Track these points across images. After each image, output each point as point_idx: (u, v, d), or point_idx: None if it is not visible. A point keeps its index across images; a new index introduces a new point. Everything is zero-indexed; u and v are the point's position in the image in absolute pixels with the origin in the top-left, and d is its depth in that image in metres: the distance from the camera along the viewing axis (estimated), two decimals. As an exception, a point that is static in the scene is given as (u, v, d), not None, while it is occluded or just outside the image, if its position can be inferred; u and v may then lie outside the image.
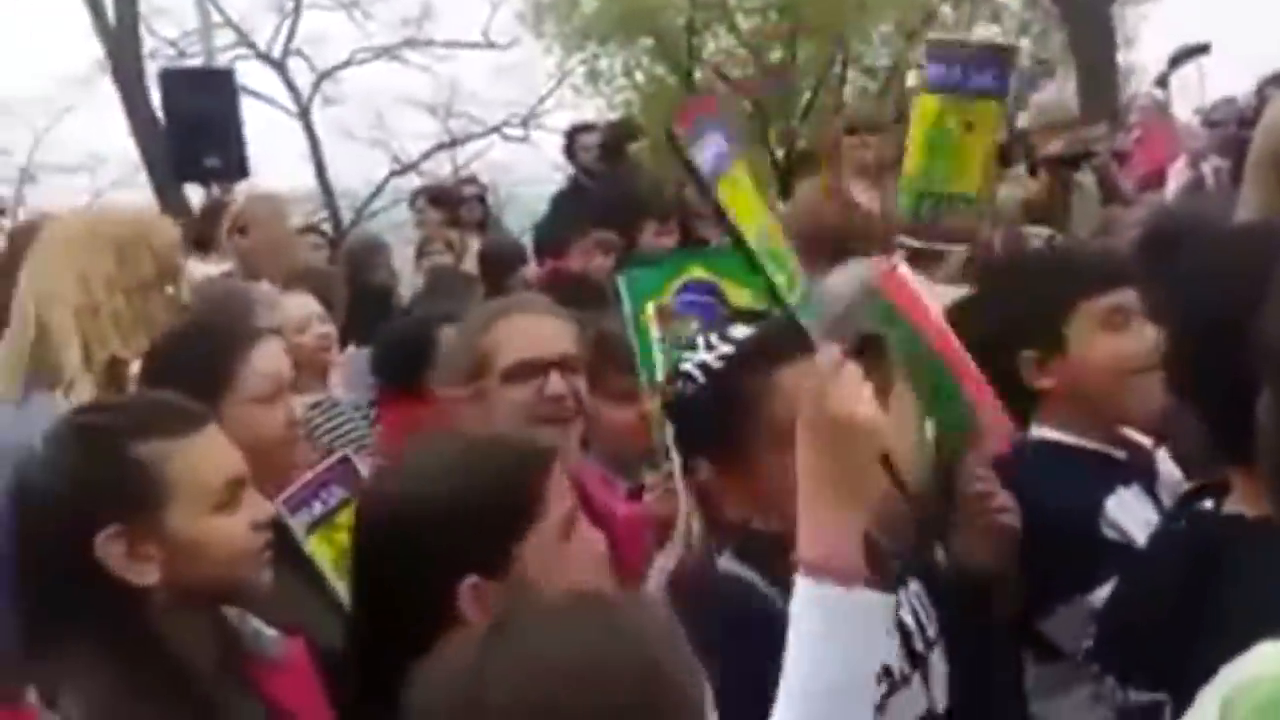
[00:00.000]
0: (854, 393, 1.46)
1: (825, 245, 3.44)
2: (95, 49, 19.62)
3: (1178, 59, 9.00)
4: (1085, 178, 6.24)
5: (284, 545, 2.02)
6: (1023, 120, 6.90)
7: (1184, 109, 8.78)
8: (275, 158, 19.42)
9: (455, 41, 23.26)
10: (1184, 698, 1.14)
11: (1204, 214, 3.45)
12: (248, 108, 11.20)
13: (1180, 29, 18.48)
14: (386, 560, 1.68)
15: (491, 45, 22.92)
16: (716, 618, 1.71)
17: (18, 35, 25.31)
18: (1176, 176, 6.74)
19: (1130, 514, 2.18)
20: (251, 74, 20.02)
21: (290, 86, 23.28)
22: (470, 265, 6.91)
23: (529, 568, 1.63)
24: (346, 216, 21.75)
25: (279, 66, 23.22)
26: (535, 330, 2.45)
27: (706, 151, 1.48)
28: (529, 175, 18.19)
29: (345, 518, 2.13)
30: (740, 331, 1.94)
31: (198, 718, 1.66)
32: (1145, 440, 2.38)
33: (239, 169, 9.06)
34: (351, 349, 4.86)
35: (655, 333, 2.44)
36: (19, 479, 1.78)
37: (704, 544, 2.08)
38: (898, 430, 1.58)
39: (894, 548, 1.89)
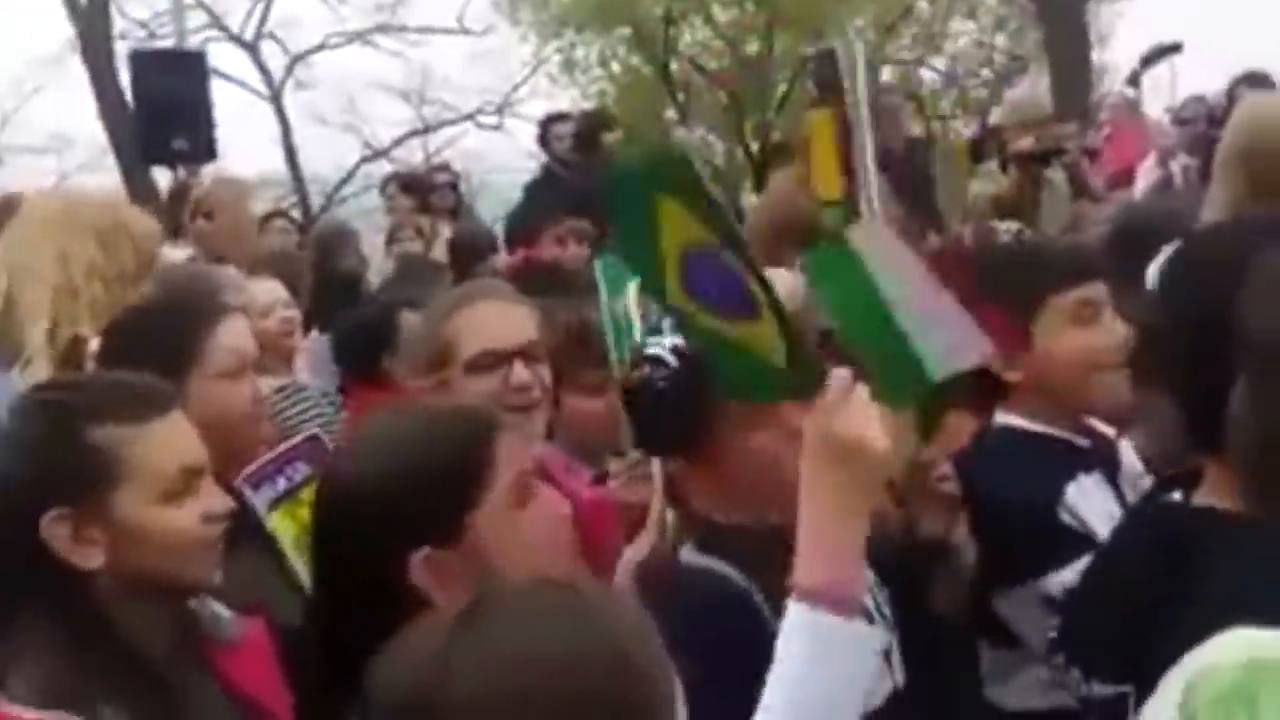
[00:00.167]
0: (863, 416, 1.47)
1: (798, 235, 3.44)
2: (66, 29, 19.49)
3: (1150, 58, 9.04)
4: (1055, 174, 6.29)
5: (245, 524, 2.00)
6: (996, 116, 6.92)
7: (1156, 107, 8.83)
8: (246, 141, 19.24)
9: (429, 27, 23.11)
10: (1150, 691, 1.13)
11: (1173, 212, 3.46)
12: (219, 90, 11.11)
13: (1155, 27, 18.55)
14: (344, 537, 1.67)
15: (466, 32, 22.79)
16: (680, 610, 1.70)
17: (-13, 14, 25.04)
18: (1145, 174, 6.77)
19: (1090, 501, 2.21)
20: (223, 56, 19.87)
21: (262, 70, 23.13)
22: (440, 253, 6.89)
23: (482, 536, 1.62)
24: (316, 202, 21.59)
25: (251, 49, 23.03)
26: (497, 319, 2.43)
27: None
28: (502, 163, 18.13)
29: (309, 494, 2.10)
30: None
31: (150, 700, 1.64)
32: (1109, 430, 2.40)
33: (207, 152, 8.95)
34: (314, 334, 4.83)
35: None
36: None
37: (677, 535, 2.07)
38: (894, 443, 1.59)
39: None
